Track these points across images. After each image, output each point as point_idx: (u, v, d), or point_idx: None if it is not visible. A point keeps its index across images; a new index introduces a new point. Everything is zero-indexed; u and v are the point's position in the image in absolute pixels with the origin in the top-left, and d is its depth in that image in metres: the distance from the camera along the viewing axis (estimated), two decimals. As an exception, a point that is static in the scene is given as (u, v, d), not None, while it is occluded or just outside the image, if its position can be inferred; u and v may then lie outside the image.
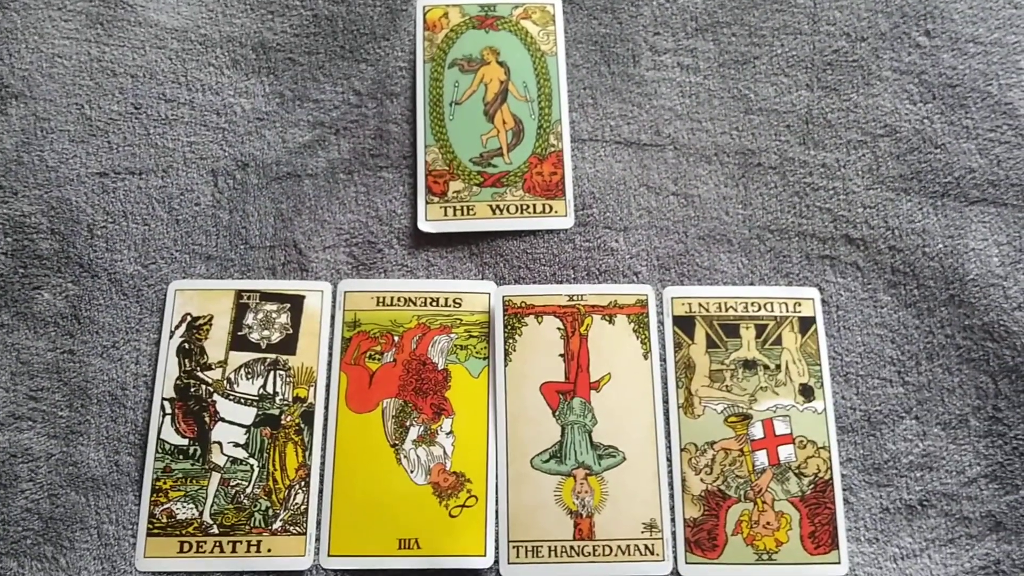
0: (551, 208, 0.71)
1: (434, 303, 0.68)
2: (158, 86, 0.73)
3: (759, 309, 0.68)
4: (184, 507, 0.64)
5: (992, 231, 0.70)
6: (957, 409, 0.67)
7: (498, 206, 0.71)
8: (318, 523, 0.63)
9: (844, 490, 0.65)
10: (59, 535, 0.64)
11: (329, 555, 0.63)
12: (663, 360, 0.67)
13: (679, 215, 0.71)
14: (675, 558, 0.63)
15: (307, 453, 0.65)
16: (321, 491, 0.64)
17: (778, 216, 0.71)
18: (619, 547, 0.63)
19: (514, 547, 0.63)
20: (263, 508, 0.64)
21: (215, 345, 0.67)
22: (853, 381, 0.67)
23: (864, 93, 0.73)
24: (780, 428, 0.66)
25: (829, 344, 0.68)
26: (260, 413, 0.66)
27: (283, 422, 0.65)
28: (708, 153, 0.72)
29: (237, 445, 0.65)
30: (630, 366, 0.67)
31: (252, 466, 0.64)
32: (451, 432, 0.66)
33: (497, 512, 0.64)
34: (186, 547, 0.63)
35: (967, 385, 0.67)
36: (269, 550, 0.63)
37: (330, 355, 0.67)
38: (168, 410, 0.66)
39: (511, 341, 0.67)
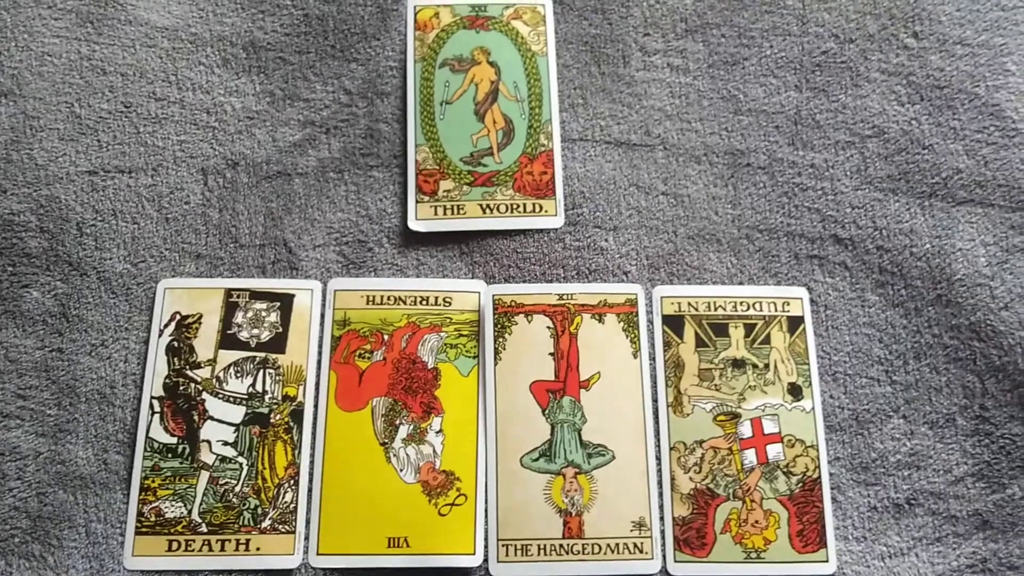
0: (541, 207, 0.71)
1: (424, 302, 0.69)
2: (148, 85, 0.73)
3: (748, 308, 0.69)
4: (173, 505, 0.63)
5: (979, 231, 0.70)
6: (944, 408, 0.67)
7: (488, 205, 0.71)
8: (307, 522, 0.63)
9: (832, 489, 0.65)
10: (47, 533, 0.63)
11: (318, 554, 0.63)
12: (652, 359, 0.68)
13: (669, 215, 0.71)
14: (664, 556, 0.63)
15: (296, 452, 0.65)
16: (310, 490, 0.64)
17: (767, 216, 0.71)
18: (608, 545, 0.63)
19: (503, 545, 0.63)
20: (252, 507, 0.63)
21: (204, 344, 0.67)
22: (841, 380, 0.68)
23: (852, 94, 0.74)
24: (768, 427, 0.66)
25: (817, 343, 0.68)
26: (249, 412, 0.66)
27: (272, 420, 0.65)
28: (697, 153, 0.73)
29: (226, 444, 0.65)
30: (619, 365, 0.67)
31: (241, 464, 0.64)
32: (441, 431, 0.66)
33: (486, 510, 0.64)
34: (175, 546, 0.63)
35: (954, 384, 0.68)
36: (258, 549, 0.63)
37: (320, 354, 0.67)
38: (157, 408, 0.65)
39: (501, 340, 0.67)
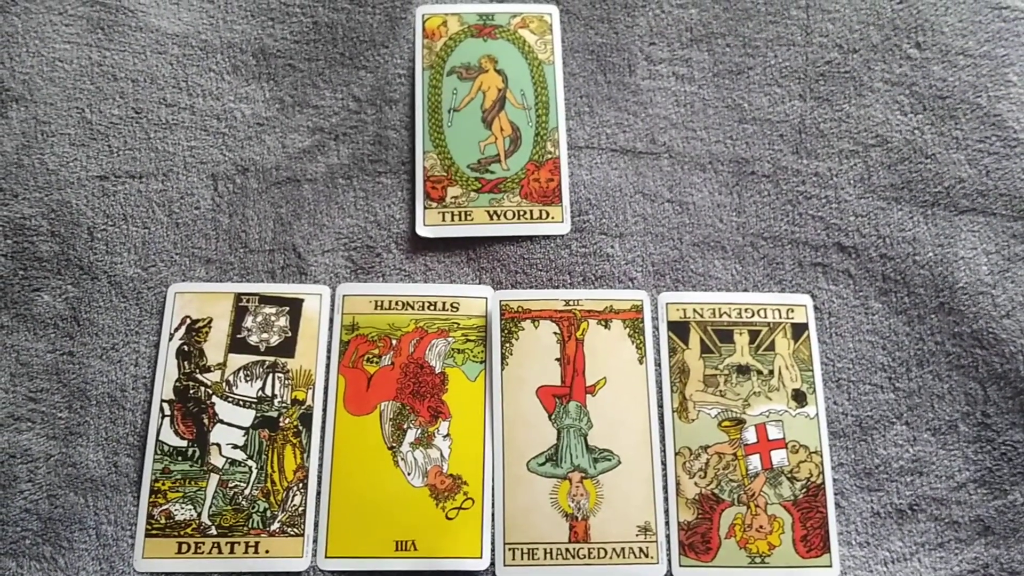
0: (548, 214, 0.72)
1: (432, 307, 0.69)
2: (159, 91, 0.74)
3: (752, 315, 0.69)
4: (182, 508, 0.64)
5: (981, 240, 0.71)
6: (947, 415, 0.68)
7: (495, 212, 0.71)
8: (316, 525, 0.64)
9: (836, 494, 0.66)
10: (58, 535, 0.64)
11: (326, 556, 0.63)
12: (658, 365, 0.68)
13: (674, 222, 0.72)
14: (669, 561, 0.64)
15: (305, 455, 0.65)
16: (319, 493, 0.65)
17: (771, 224, 0.72)
18: (614, 550, 0.64)
19: (510, 549, 0.63)
20: (261, 509, 0.64)
21: (214, 347, 0.67)
22: (845, 387, 0.68)
23: (856, 104, 0.74)
24: (773, 433, 0.66)
25: (821, 350, 0.69)
26: (259, 415, 0.66)
27: (281, 424, 0.66)
28: (703, 161, 0.73)
29: (236, 447, 0.65)
30: (625, 370, 0.67)
31: (250, 468, 0.65)
32: (448, 435, 0.66)
33: (493, 514, 0.64)
34: (184, 548, 0.63)
35: (957, 391, 0.68)
36: (267, 551, 0.63)
37: (328, 358, 0.68)
38: (167, 412, 0.66)
39: (508, 345, 0.68)
